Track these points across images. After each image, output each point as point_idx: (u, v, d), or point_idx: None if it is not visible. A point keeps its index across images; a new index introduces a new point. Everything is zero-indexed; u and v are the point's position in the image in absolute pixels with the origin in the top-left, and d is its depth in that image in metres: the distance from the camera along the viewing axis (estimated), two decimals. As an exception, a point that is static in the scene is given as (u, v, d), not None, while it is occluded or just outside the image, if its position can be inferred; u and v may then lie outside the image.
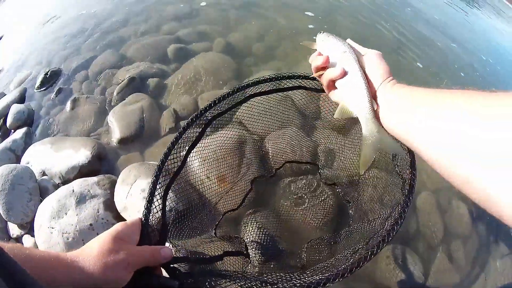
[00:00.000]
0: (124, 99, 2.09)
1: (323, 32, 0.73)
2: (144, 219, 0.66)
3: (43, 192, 1.80)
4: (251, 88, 0.89)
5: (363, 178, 1.30)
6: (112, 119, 2.01)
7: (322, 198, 1.47)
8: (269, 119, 1.08)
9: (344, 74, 0.61)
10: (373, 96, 0.58)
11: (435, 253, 1.62)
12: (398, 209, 0.66)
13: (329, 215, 1.44)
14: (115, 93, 2.14)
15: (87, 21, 3.09)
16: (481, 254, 1.71)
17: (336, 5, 3.43)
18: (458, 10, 5.48)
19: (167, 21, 2.77)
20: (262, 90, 0.91)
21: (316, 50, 0.73)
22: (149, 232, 0.64)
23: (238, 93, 0.88)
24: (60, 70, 2.58)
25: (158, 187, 0.72)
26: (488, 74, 3.67)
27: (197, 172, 0.99)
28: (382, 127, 0.56)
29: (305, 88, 0.93)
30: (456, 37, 4.03)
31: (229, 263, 0.94)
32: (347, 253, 0.71)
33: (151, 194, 0.70)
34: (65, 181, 1.82)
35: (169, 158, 0.78)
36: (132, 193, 1.58)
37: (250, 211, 1.43)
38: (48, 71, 2.57)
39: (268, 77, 0.89)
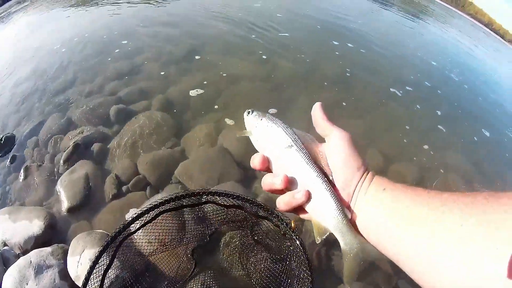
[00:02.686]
0: (71, 167, 2.24)
1: (252, 112, 0.55)
2: None
3: (5, 262, 1.91)
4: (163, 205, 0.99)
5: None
6: (60, 188, 2.14)
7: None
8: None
9: (309, 195, 0.49)
10: (347, 204, 0.49)
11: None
12: None
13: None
14: (61, 161, 2.27)
15: (39, 79, 3.21)
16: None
17: (277, 49, 3.66)
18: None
19: (110, 80, 2.91)
20: (172, 207, 1.01)
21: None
22: None
23: (148, 213, 0.98)
24: (14, 136, 2.69)
25: None
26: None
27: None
28: (362, 236, 0.49)
29: (214, 203, 1.02)
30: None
31: None
32: None
33: None
34: (25, 251, 1.95)
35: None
36: (82, 263, 1.76)
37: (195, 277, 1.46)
38: (2, 137, 2.67)
39: (180, 194, 0.98)
